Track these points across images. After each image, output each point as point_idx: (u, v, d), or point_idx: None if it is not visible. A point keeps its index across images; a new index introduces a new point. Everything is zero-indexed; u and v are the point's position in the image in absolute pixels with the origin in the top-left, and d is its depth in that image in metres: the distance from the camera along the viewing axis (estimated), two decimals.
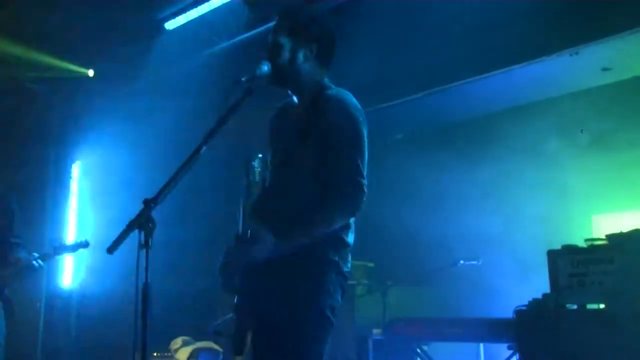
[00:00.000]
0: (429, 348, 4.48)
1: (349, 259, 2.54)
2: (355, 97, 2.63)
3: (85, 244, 4.76)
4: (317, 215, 2.41)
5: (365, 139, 2.52)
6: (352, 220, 2.55)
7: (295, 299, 2.41)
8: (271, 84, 2.62)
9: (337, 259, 2.50)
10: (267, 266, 2.42)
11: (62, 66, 6.04)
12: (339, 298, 2.49)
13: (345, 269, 2.53)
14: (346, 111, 2.51)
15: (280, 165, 2.57)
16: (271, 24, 2.72)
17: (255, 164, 2.51)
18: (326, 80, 2.66)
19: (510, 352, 3.84)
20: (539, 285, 3.56)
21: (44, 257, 4.42)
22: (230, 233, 2.80)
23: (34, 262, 4.33)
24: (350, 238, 2.56)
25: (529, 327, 3.36)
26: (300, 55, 2.60)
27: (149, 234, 2.03)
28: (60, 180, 6.68)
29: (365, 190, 2.43)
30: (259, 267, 2.43)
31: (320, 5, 4.31)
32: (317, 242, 2.42)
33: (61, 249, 4.68)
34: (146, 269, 2.00)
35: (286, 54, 2.58)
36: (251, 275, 2.46)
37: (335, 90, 2.60)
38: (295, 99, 2.68)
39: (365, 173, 2.46)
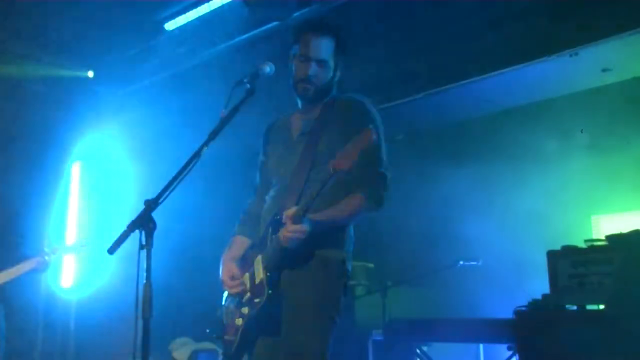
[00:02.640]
0: (429, 348, 4.48)
1: (350, 258, 2.61)
2: None
3: (84, 245, 4.76)
4: (357, 204, 2.48)
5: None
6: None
7: (302, 299, 2.43)
8: (307, 101, 2.64)
9: (342, 258, 2.53)
10: (275, 265, 2.44)
11: (62, 66, 6.03)
12: (343, 297, 2.54)
13: (349, 269, 2.58)
14: (369, 109, 2.62)
15: (309, 167, 2.57)
16: (274, 23, 2.73)
17: None
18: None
19: (510, 352, 3.84)
20: (538, 285, 3.56)
21: (51, 253, 4.43)
22: (231, 232, 2.83)
23: (46, 257, 4.34)
24: (352, 238, 2.64)
25: (529, 327, 3.36)
26: (337, 73, 2.68)
27: (149, 235, 2.04)
28: (60, 181, 6.67)
29: (389, 181, 2.56)
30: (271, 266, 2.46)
31: (322, 6, 4.32)
32: (325, 242, 2.44)
33: (61, 249, 4.68)
34: (147, 269, 2.00)
35: (330, 74, 2.63)
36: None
37: (350, 93, 2.69)
38: (302, 106, 2.70)
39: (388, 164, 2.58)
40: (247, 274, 2.57)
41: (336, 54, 2.63)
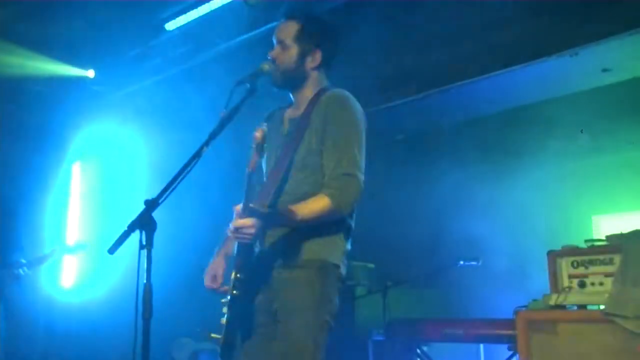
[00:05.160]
0: (429, 349, 4.48)
1: (346, 262, 2.57)
2: (355, 97, 2.65)
3: (84, 246, 4.77)
4: (316, 204, 2.39)
5: (364, 135, 2.54)
6: (352, 224, 2.58)
7: (295, 302, 2.42)
8: (276, 86, 2.63)
9: (338, 263, 2.51)
10: (270, 270, 2.43)
11: (62, 66, 6.03)
12: (337, 302, 2.50)
13: (343, 273, 2.55)
14: (347, 106, 2.54)
15: (290, 166, 2.54)
16: (274, 24, 2.71)
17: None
18: (327, 83, 2.70)
19: (510, 352, 3.84)
20: (539, 285, 3.56)
21: (31, 263, 4.40)
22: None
23: (20, 270, 4.32)
24: (349, 242, 2.60)
25: (529, 327, 3.36)
26: (308, 60, 2.61)
27: (149, 235, 2.03)
28: (61, 181, 6.68)
29: (361, 184, 2.44)
30: (262, 268, 2.44)
31: (321, 6, 4.32)
32: (321, 247, 2.42)
33: (60, 250, 4.68)
34: (147, 269, 2.00)
35: (294, 58, 2.59)
36: (254, 277, 2.47)
37: (335, 89, 2.63)
38: (293, 100, 2.70)
39: (363, 167, 2.47)
40: (233, 272, 2.51)
41: (301, 38, 2.58)
